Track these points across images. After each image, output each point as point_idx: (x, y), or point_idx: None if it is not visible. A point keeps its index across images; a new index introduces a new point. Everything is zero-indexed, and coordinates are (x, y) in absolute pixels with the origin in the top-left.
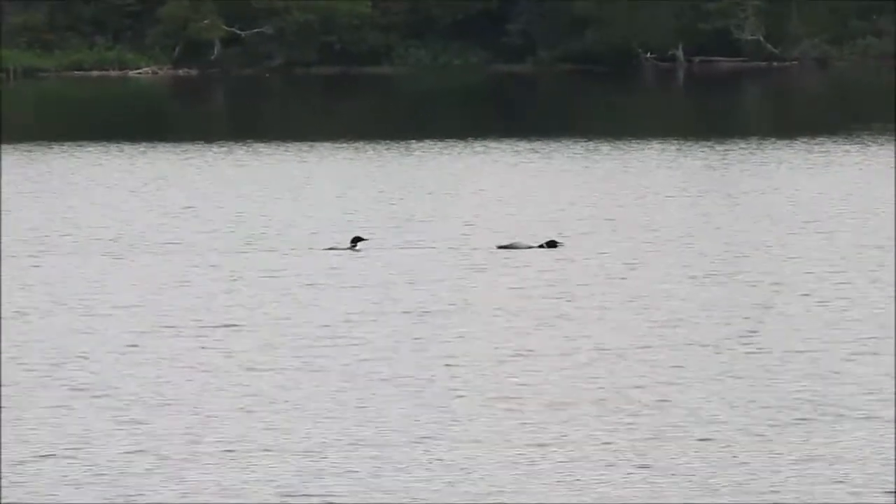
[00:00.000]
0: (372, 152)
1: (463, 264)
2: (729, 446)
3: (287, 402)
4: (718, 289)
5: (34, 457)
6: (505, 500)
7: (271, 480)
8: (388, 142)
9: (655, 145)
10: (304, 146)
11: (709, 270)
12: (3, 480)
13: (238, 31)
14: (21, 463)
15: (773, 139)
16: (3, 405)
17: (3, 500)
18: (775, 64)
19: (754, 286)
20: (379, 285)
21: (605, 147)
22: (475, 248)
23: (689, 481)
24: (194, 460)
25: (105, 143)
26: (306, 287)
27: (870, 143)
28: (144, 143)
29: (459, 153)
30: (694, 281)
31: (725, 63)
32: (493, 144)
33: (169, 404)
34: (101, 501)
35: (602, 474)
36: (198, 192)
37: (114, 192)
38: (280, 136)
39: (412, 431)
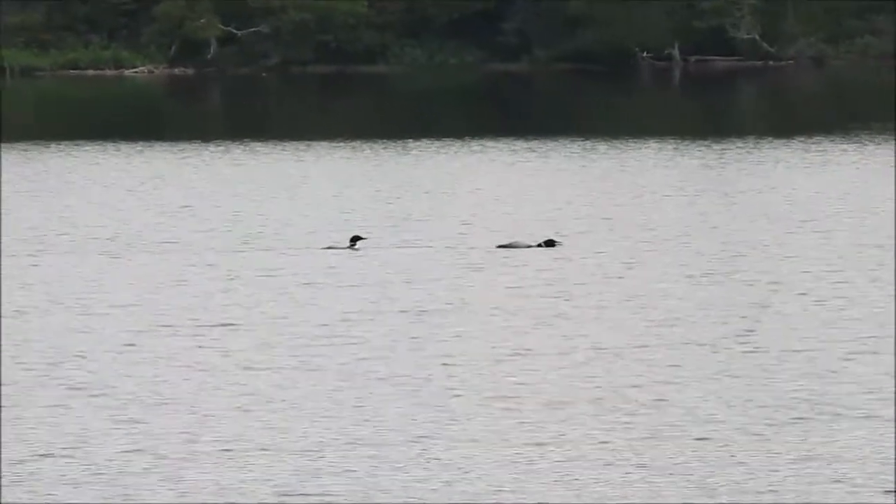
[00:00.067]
0: (369, 151)
1: (460, 263)
2: (727, 446)
3: (284, 401)
4: (716, 288)
5: (32, 456)
6: (503, 500)
7: (269, 480)
8: (384, 141)
9: (652, 144)
10: (301, 145)
11: (706, 269)
12: (2, 480)
13: (234, 31)
14: (20, 462)
15: (769, 138)
16: (2, 404)
17: (3, 500)
18: (771, 63)
19: (751, 285)
20: (376, 284)
21: (601, 146)
22: (472, 248)
23: (687, 481)
24: (192, 459)
25: (102, 142)
26: (303, 286)
27: (867, 143)
28: (141, 143)
29: (456, 152)
30: (691, 280)
31: (721, 62)
32: (489, 143)
33: (166, 403)
34: (99, 501)
35: (600, 473)
36: (195, 191)
37: (111, 191)
38: (277, 135)
39: (409, 431)
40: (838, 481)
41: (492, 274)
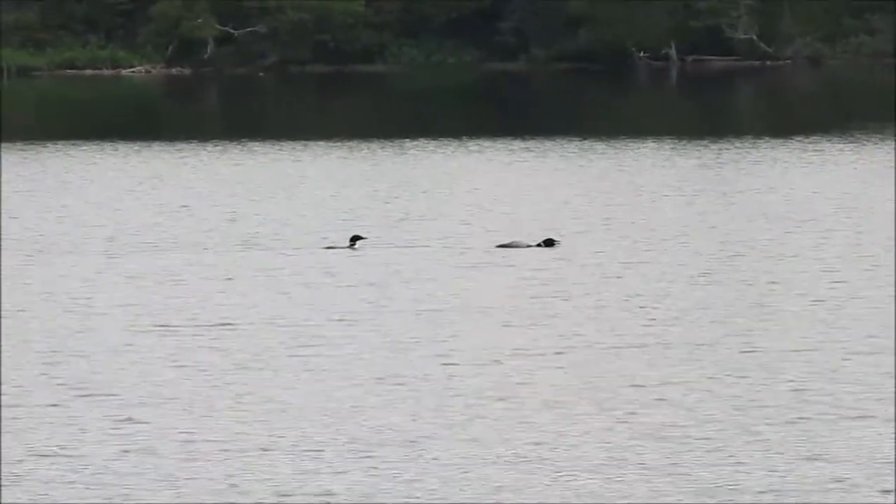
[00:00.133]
0: (366, 151)
1: (458, 263)
2: (726, 445)
3: (283, 400)
4: (714, 288)
5: (30, 456)
6: (501, 499)
7: (268, 479)
8: (382, 140)
9: (650, 144)
10: (299, 145)
11: (704, 269)
12: (2, 480)
13: (231, 30)
14: (18, 462)
15: (767, 138)
16: (2, 404)
17: (3, 501)
18: (768, 63)
19: (750, 285)
20: (374, 284)
21: (599, 146)
22: (470, 247)
23: (686, 480)
24: (191, 459)
25: (99, 141)
26: (302, 286)
27: (864, 142)
28: (139, 142)
29: (454, 152)
30: (689, 280)
31: (718, 62)
32: (487, 143)
33: (164, 403)
34: (97, 500)
35: (599, 473)
36: (192, 190)
37: (108, 190)
38: (274, 134)
39: (409, 430)
40: (838, 481)
41: (490, 273)
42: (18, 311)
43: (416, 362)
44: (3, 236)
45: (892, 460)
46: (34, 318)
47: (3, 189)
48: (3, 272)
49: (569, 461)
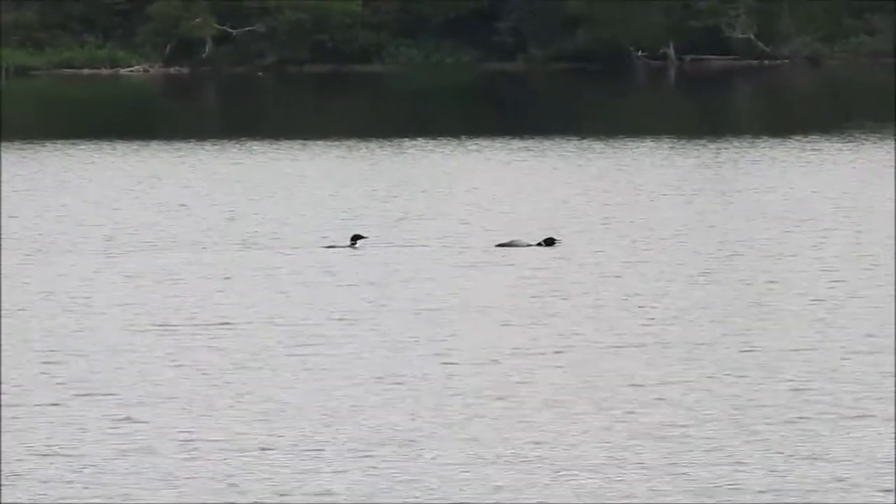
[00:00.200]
0: (365, 151)
1: (457, 262)
2: (725, 445)
3: (282, 400)
4: (713, 287)
5: (30, 455)
6: (501, 499)
7: (267, 479)
8: (380, 140)
9: (648, 144)
10: (297, 144)
11: (703, 269)
12: (2, 480)
13: (229, 30)
14: (18, 462)
15: (765, 137)
16: (1, 403)
17: (3, 501)
18: (766, 62)
19: (749, 284)
20: (373, 283)
21: (598, 145)
22: (469, 247)
23: (686, 480)
24: (191, 459)
25: (98, 141)
26: (300, 285)
27: (863, 142)
28: (137, 142)
29: (452, 151)
30: (688, 279)
31: (716, 61)
32: (485, 143)
33: (164, 402)
34: (97, 500)
35: (598, 473)
36: (191, 190)
37: (107, 190)
38: (273, 134)
39: (408, 429)
40: (838, 480)
41: (489, 273)
42: (18, 310)
43: (415, 362)
44: (2, 235)
45: (892, 460)
46: (33, 317)
47: (2, 188)
48: (2, 271)
49: (568, 461)
